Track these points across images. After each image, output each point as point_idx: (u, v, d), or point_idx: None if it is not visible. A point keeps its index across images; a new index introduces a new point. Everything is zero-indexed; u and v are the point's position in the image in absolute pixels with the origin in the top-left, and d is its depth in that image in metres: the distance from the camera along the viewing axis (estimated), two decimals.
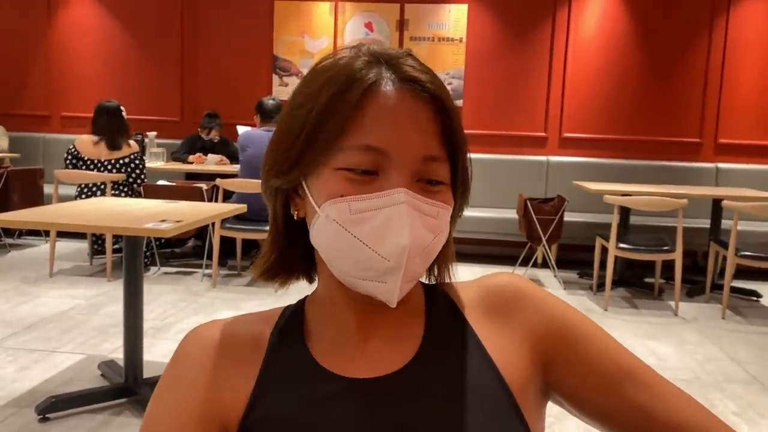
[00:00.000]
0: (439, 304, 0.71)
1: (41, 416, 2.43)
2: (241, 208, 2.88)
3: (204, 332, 0.69)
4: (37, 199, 5.30)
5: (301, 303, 0.73)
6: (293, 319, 0.70)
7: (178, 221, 2.34)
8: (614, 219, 4.12)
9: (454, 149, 0.64)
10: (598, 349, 0.68)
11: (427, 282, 0.73)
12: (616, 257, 4.37)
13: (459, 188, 0.66)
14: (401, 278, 0.60)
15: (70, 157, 4.64)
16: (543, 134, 5.81)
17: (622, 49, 5.65)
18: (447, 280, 0.73)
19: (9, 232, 5.69)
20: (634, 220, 4.95)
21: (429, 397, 0.64)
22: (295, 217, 0.67)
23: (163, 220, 2.36)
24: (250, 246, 5.12)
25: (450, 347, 0.68)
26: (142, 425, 0.65)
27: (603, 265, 4.39)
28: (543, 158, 5.76)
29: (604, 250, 4.33)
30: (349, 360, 0.66)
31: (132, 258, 2.56)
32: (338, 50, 0.65)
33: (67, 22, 6.23)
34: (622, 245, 4.21)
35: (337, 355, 0.67)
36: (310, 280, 0.74)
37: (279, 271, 0.72)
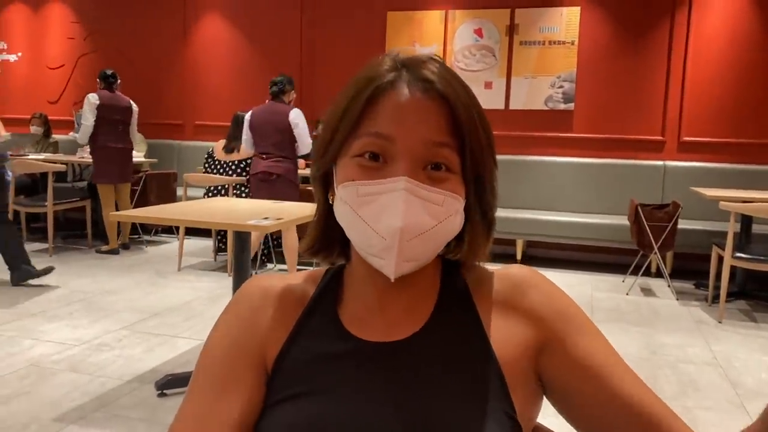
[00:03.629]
0: (452, 286, 0.79)
1: (159, 391, 2.72)
2: None
3: (261, 281, 0.82)
4: (170, 199, 5.83)
5: (341, 268, 0.83)
6: (331, 283, 0.81)
7: (278, 219, 2.54)
8: (730, 227, 3.90)
9: (463, 141, 0.70)
10: (584, 344, 0.74)
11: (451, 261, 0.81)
12: (736, 268, 4.13)
13: (470, 178, 0.71)
14: (396, 256, 0.68)
15: (206, 155, 5.24)
16: (660, 138, 5.57)
17: (748, 46, 5.31)
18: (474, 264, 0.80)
19: (146, 230, 6.29)
20: (758, 228, 4.64)
21: (424, 364, 0.73)
22: (330, 202, 0.78)
23: (266, 218, 2.57)
24: None
25: (452, 324, 0.76)
26: (203, 347, 0.78)
27: (721, 275, 4.15)
28: (660, 163, 5.53)
29: (722, 260, 4.10)
30: (367, 325, 0.76)
31: (240, 251, 2.80)
32: (376, 58, 0.75)
33: (199, 40, 6.79)
34: (740, 255, 3.97)
35: (358, 320, 0.76)
36: (347, 259, 0.83)
37: (320, 249, 0.82)
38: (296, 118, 4.56)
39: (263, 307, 0.79)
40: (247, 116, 4.66)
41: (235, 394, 0.73)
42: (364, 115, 0.70)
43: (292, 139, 4.57)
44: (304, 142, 4.58)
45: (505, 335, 0.75)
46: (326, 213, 0.79)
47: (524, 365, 0.74)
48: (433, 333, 0.75)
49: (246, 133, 4.68)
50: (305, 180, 4.96)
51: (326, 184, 0.78)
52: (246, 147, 4.75)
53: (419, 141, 0.68)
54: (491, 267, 0.82)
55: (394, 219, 0.67)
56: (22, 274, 4.31)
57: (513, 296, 0.77)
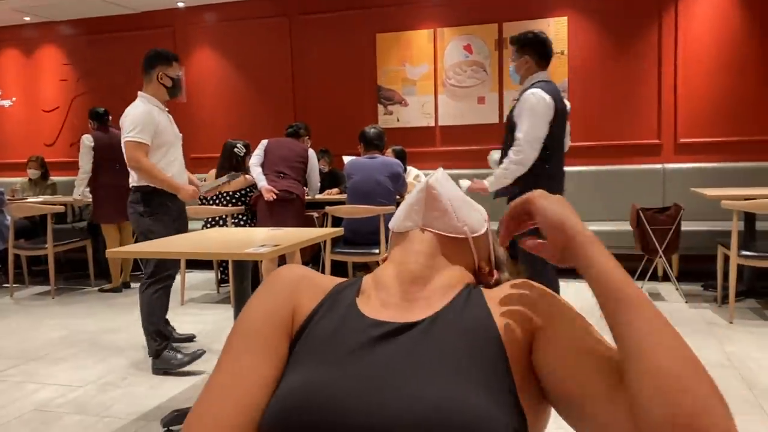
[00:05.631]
0: (469, 290, 0.90)
1: (166, 428, 2.68)
2: (338, 231, 3.03)
3: (296, 268, 0.95)
4: None
5: (361, 278, 0.95)
6: (352, 283, 0.94)
7: (276, 245, 2.51)
8: (734, 225, 3.87)
9: None
10: (566, 327, 0.78)
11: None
12: (742, 266, 4.09)
13: None
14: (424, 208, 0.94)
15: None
16: (657, 141, 5.56)
17: (736, 45, 5.32)
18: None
19: None
20: (762, 226, 4.60)
21: (432, 344, 0.78)
22: None
23: (263, 245, 2.54)
24: (361, 270, 5.29)
25: (464, 315, 0.83)
26: (239, 316, 0.87)
27: (728, 275, 4.11)
28: (658, 166, 5.51)
29: (729, 260, 4.06)
30: (382, 309, 0.86)
31: (239, 281, 2.77)
32: None
33: (190, 74, 6.82)
34: (745, 253, 3.93)
35: (375, 305, 0.87)
36: None
37: None
38: (312, 155, 4.97)
39: (297, 286, 0.90)
40: (264, 141, 4.94)
41: (271, 355, 0.81)
42: None
43: (304, 170, 4.89)
44: (314, 183, 5.01)
45: (511, 326, 0.80)
46: None
47: (526, 354, 0.78)
48: (444, 319, 0.82)
49: (257, 156, 4.86)
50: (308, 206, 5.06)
51: None
52: (253, 163, 4.85)
53: None
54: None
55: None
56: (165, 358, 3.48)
57: (516, 296, 0.85)
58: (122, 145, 3.43)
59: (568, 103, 3.57)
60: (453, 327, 0.80)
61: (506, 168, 3.25)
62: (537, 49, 3.40)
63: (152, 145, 3.43)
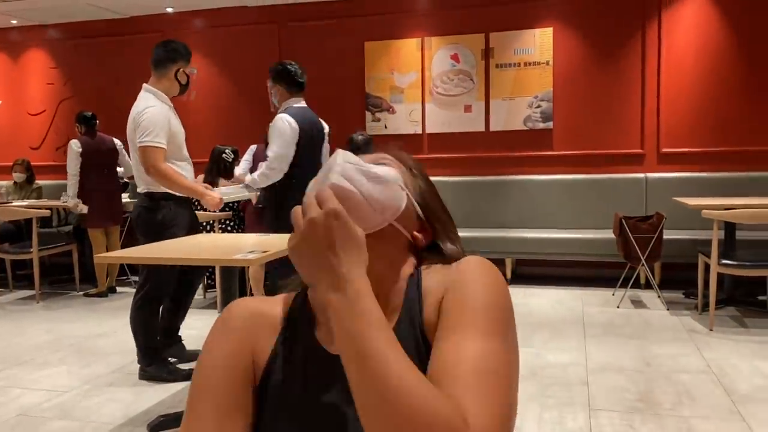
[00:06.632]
0: (414, 290, 0.84)
1: None
2: None
3: (247, 303, 0.88)
4: None
5: (304, 291, 0.88)
6: (302, 304, 0.87)
7: (264, 251, 2.54)
8: (714, 234, 3.94)
9: None
10: (448, 342, 0.72)
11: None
12: (723, 275, 4.17)
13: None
14: None
15: None
16: (640, 151, 5.65)
17: (719, 57, 5.42)
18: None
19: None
20: (743, 235, 4.68)
21: None
22: None
23: (251, 251, 2.56)
24: None
25: (410, 332, 0.80)
26: (197, 368, 0.83)
27: (709, 283, 4.19)
28: (641, 175, 5.59)
29: (709, 268, 4.13)
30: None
31: (227, 287, 2.79)
32: None
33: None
34: (725, 261, 4.01)
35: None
36: None
37: None
38: None
39: (252, 327, 0.84)
40: (253, 146, 5.03)
41: (238, 413, 0.79)
42: None
43: None
44: None
45: (432, 319, 0.78)
46: None
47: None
48: (399, 327, 0.80)
49: (246, 161, 4.95)
50: None
51: None
52: (239, 170, 4.86)
53: None
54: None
55: None
56: (158, 369, 3.34)
57: (441, 281, 0.81)
58: (133, 147, 3.17)
59: (326, 126, 4.01)
60: (407, 334, 0.79)
61: (258, 177, 3.65)
62: (286, 79, 3.86)
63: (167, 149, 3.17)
